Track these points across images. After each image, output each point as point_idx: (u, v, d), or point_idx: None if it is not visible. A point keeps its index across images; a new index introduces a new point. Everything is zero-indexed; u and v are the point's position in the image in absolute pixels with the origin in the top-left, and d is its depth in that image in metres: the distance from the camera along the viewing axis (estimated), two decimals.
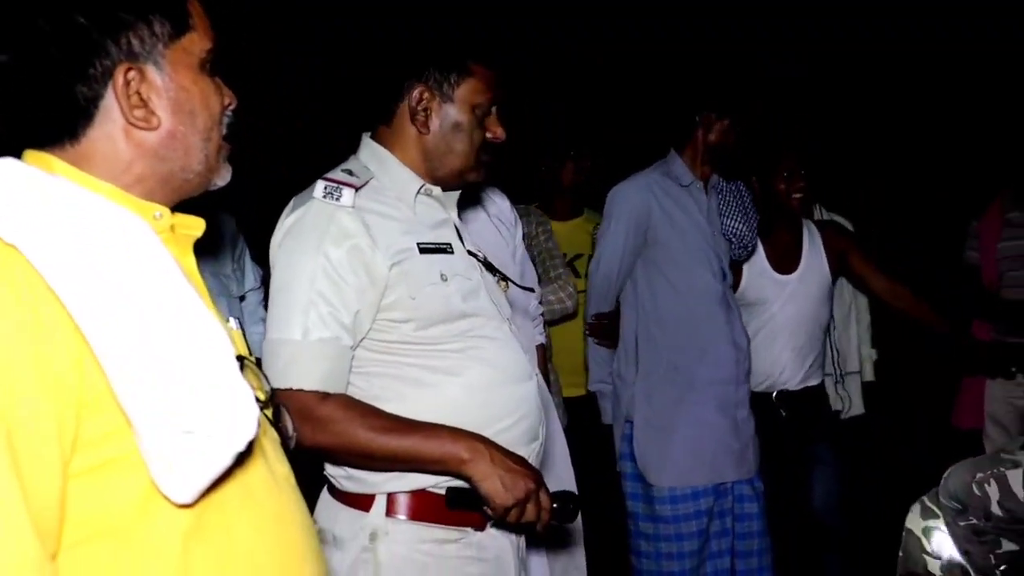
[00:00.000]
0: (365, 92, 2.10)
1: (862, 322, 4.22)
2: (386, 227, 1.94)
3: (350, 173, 1.99)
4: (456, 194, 2.13)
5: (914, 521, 2.74)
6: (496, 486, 1.86)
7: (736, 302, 3.54)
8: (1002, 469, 2.54)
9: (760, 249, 3.73)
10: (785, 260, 3.76)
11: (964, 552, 2.62)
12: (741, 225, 3.42)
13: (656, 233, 3.37)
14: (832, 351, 3.99)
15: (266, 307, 2.22)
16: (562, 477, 2.89)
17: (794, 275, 3.75)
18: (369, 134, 2.10)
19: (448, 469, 1.89)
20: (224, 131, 1.34)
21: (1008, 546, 2.56)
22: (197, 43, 1.28)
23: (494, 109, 2.07)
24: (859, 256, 3.83)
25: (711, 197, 3.45)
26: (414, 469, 1.91)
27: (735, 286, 3.68)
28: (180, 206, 1.33)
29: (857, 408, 4.12)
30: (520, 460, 1.93)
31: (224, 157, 1.35)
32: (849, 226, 4.24)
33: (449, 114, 2.02)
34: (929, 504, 2.76)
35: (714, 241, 3.42)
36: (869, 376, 4.26)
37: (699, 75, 3.47)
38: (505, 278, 2.19)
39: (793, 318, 3.72)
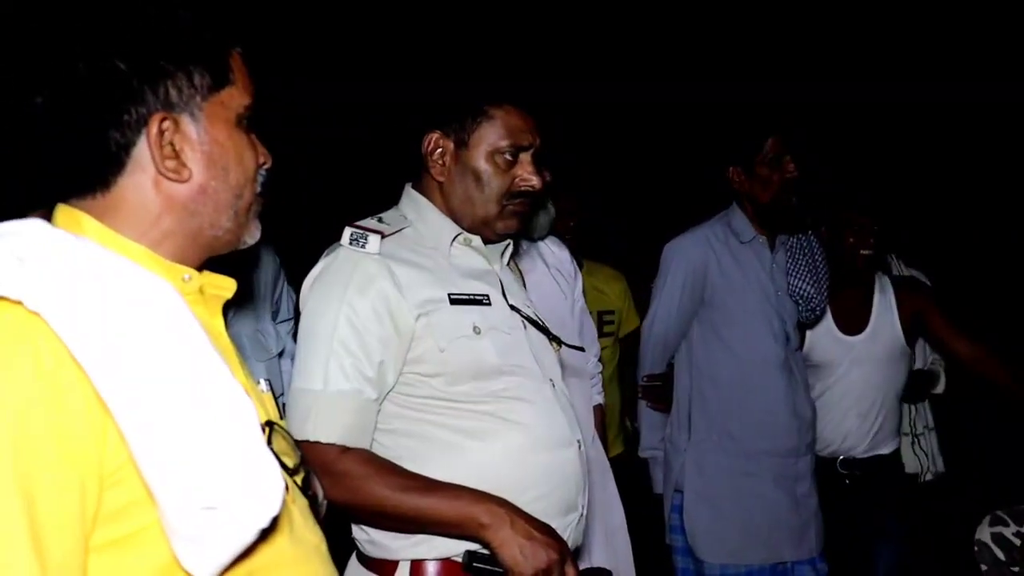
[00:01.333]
0: (389, 142, 2.09)
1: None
2: (414, 276, 1.88)
3: (380, 220, 1.95)
4: (501, 245, 2.05)
5: (983, 532, 2.75)
6: (515, 554, 1.77)
7: (802, 368, 3.33)
8: None
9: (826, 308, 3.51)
10: (852, 320, 3.55)
11: None
12: (809, 286, 3.22)
13: (714, 291, 3.19)
14: (910, 409, 3.76)
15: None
16: (619, 550, 2.80)
17: (861, 336, 3.54)
18: (411, 184, 2.04)
19: (466, 533, 1.81)
20: (258, 188, 1.32)
21: None
22: (236, 98, 1.26)
23: (526, 155, 1.96)
24: (938, 316, 3.55)
25: (778, 254, 3.25)
26: (431, 531, 1.83)
27: (799, 347, 3.47)
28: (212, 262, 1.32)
29: (939, 467, 3.87)
30: (545, 529, 1.82)
31: (255, 214, 1.33)
32: (927, 282, 4.01)
33: (465, 161, 1.94)
34: (1000, 514, 2.77)
35: (778, 302, 3.22)
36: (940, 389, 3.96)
37: (715, 130, 3.32)
38: (554, 338, 2.06)
39: (859, 382, 3.51)
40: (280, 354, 3.24)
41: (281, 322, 3.33)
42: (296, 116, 4.84)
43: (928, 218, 5.91)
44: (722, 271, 3.19)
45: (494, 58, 4.49)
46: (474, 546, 1.84)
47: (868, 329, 3.54)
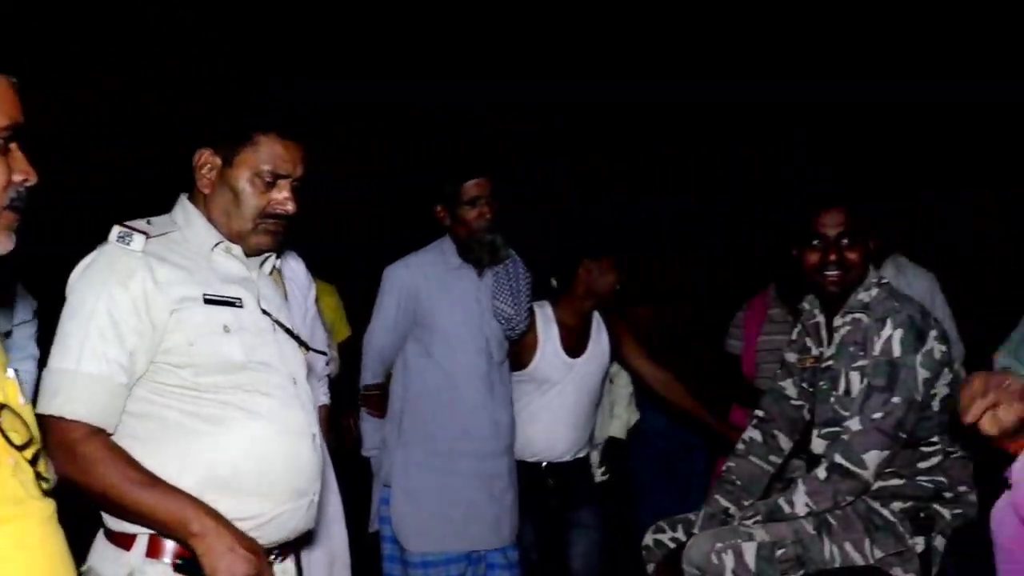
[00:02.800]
0: (168, 152, 2.27)
1: (623, 385, 4.38)
2: (173, 275, 2.03)
3: (148, 222, 2.11)
4: (260, 259, 2.23)
5: (649, 537, 3.12)
6: (215, 563, 1.92)
7: (505, 380, 3.73)
8: (739, 541, 2.83)
9: (556, 331, 3.96)
10: (575, 344, 3.97)
11: None
12: (509, 307, 3.60)
13: (424, 313, 3.58)
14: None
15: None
16: (334, 537, 3.09)
17: (581, 359, 3.97)
18: (187, 194, 2.22)
19: (176, 535, 1.95)
20: (6, 202, 1.46)
21: None
22: None
23: (284, 182, 2.15)
24: (631, 344, 4.10)
25: (486, 278, 3.63)
26: (144, 525, 1.97)
27: (525, 364, 3.87)
28: None
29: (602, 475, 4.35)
30: (248, 543, 1.97)
31: (6, 227, 1.48)
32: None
33: (228, 178, 2.13)
34: (662, 524, 3.15)
35: (483, 322, 3.61)
36: (617, 432, 4.60)
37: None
38: (302, 343, 2.31)
39: (574, 398, 3.96)
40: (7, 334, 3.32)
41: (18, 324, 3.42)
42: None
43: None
44: (432, 294, 3.59)
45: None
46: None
47: (587, 352, 3.99)
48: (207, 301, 2.05)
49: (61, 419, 1.92)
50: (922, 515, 2.82)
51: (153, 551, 1.99)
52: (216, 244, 2.14)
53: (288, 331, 2.22)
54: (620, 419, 4.59)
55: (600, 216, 5.91)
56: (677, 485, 4.74)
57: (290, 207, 2.16)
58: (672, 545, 3.08)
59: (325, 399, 3.49)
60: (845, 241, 2.96)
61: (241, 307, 2.11)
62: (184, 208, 2.18)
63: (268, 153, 2.14)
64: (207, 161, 2.15)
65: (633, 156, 6.20)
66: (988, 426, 2.08)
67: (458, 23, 4.22)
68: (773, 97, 5.39)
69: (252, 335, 2.10)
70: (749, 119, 5.63)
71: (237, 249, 2.16)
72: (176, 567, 1.99)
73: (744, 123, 5.70)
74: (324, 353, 3.02)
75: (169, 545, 1.99)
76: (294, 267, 3.30)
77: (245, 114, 2.19)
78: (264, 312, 2.16)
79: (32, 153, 1.47)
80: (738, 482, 3.23)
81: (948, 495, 2.91)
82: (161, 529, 1.96)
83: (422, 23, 4.18)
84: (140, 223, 2.10)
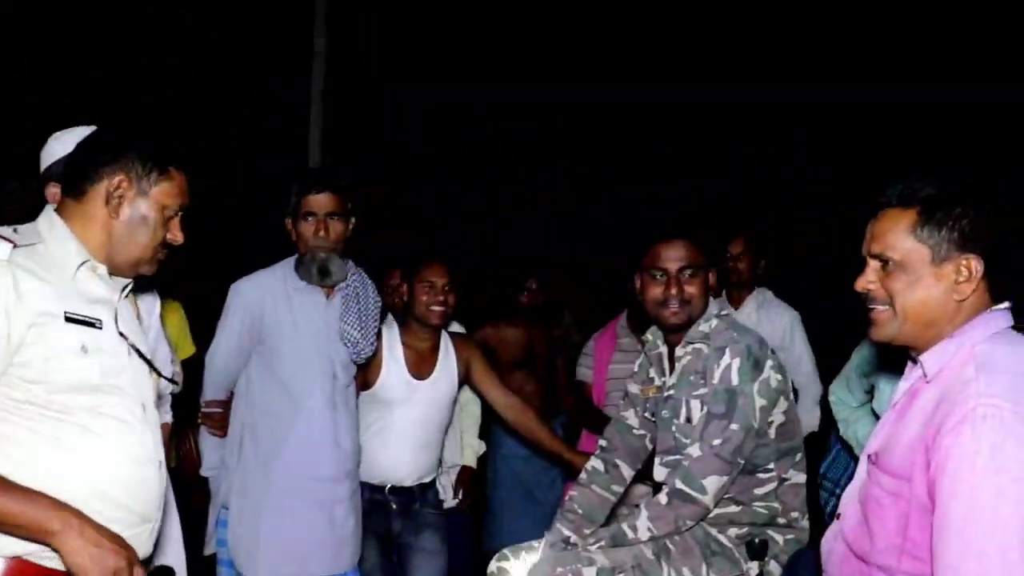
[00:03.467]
0: (70, 167, 2.23)
1: (471, 414, 4.34)
2: (36, 287, 1.99)
3: (15, 231, 2.07)
4: (123, 281, 2.24)
5: (493, 565, 3.04)
6: (84, 561, 1.88)
7: (350, 403, 3.66)
8: (579, 566, 2.85)
9: (401, 352, 3.91)
10: (422, 366, 3.94)
11: None
12: (355, 331, 3.54)
13: (268, 331, 3.49)
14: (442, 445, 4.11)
15: None
16: (170, 559, 2.94)
17: (427, 381, 3.93)
18: (54, 206, 2.21)
19: (36, 537, 1.90)
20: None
21: None
22: None
23: (179, 215, 2.25)
24: (482, 368, 4.04)
25: (334, 299, 3.56)
26: (3, 531, 1.90)
27: (370, 384, 3.80)
28: None
29: (452, 501, 4.36)
30: (114, 537, 1.95)
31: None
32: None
33: (140, 207, 2.16)
34: (506, 552, 3.07)
35: (329, 343, 3.53)
36: (469, 461, 4.55)
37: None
38: (155, 369, 2.30)
39: (418, 420, 3.91)
40: None
41: None
42: None
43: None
44: (277, 312, 3.49)
45: None
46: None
47: (433, 374, 3.95)
48: (68, 319, 2.02)
49: None
50: (757, 541, 2.88)
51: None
52: (83, 263, 2.11)
53: (142, 356, 2.22)
54: (470, 447, 4.57)
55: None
56: (536, 510, 4.74)
57: (181, 238, 2.25)
58: (516, 574, 3.08)
59: (167, 417, 3.39)
60: (686, 275, 3.03)
61: (100, 328, 2.08)
62: (51, 221, 2.15)
63: (178, 187, 2.22)
64: (121, 187, 2.15)
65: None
66: None
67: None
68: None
69: (109, 357, 2.08)
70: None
71: (103, 270, 2.15)
72: None
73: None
74: (175, 383, 2.93)
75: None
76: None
77: (167, 148, 2.23)
78: (121, 335, 2.15)
79: None
80: (580, 511, 3.26)
81: (782, 521, 2.99)
82: (18, 532, 1.90)
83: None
84: (7, 230, 2.05)
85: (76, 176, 2.17)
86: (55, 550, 1.90)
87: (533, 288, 4.97)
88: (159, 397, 3.21)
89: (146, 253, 2.19)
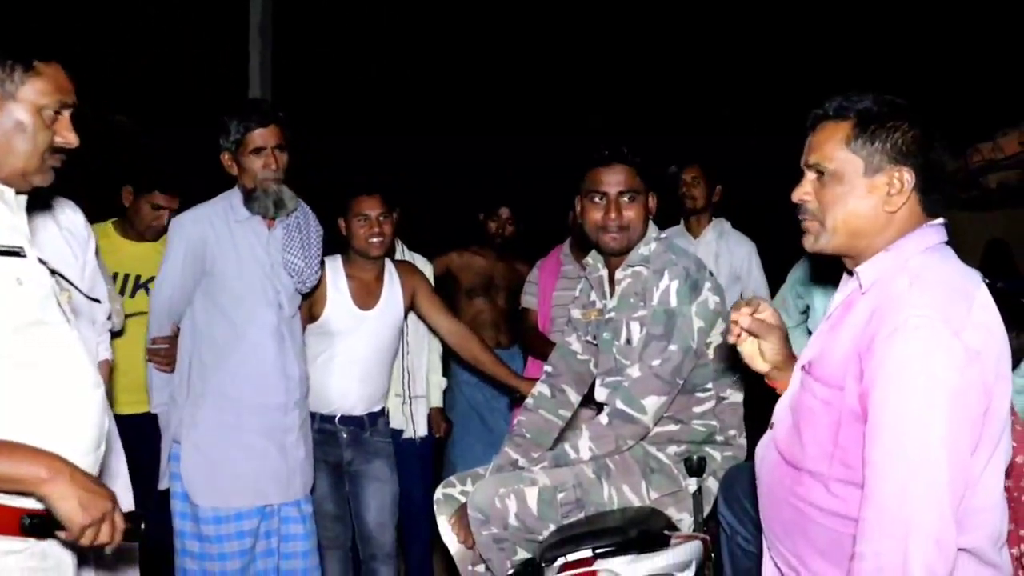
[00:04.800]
0: None
1: (434, 350, 4.37)
2: None
3: None
4: (24, 199, 2.08)
5: (439, 492, 3.22)
6: (74, 506, 1.83)
7: (296, 333, 3.68)
8: (521, 486, 2.93)
9: (346, 284, 3.96)
10: (366, 296, 3.99)
11: (487, 560, 2.84)
12: (299, 260, 3.55)
13: (212, 264, 3.49)
14: (404, 374, 4.15)
15: None
16: (121, 495, 2.89)
17: (372, 311, 3.98)
18: None
19: (24, 488, 1.85)
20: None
21: (522, 554, 2.92)
22: None
23: (66, 113, 2.05)
24: (426, 296, 4.11)
25: (276, 230, 3.56)
26: None
27: (315, 316, 3.85)
28: None
29: (421, 430, 4.44)
30: (96, 481, 1.91)
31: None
32: (428, 266, 4.60)
33: (11, 112, 1.98)
34: (452, 479, 3.26)
35: (273, 274, 3.54)
36: (436, 402, 4.63)
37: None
38: (71, 285, 2.22)
39: (365, 350, 3.96)
40: None
41: None
42: None
43: None
44: (220, 246, 3.49)
45: None
46: (30, 506, 1.89)
47: (379, 305, 3.99)
48: None
49: None
50: (695, 458, 2.98)
51: None
52: None
53: (62, 276, 2.13)
54: (435, 386, 4.63)
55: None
56: (489, 437, 4.78)
57: (73, 139, 2.06)
58: (463, 499, 3.15)
59: (107, 354, 3.40)
60: (625, 199, 3.07)
61: (24, 256, 1.96)
62: None
63: (52, 82, 2.01)
64: None
65: None
66: (747, 352, 2.23)
67: None
68: None
69: (38, 284, 1.98)
70: None
71: (9, 193, 2.01)
72: (24, 529, 1.87)
73: None
74: (97, 300, 2.90)
75: None
76: (72, 217, 3.18)
77: (25, 42, 2.01)
78: (40, 261, 2.03)
79: None
80: (528, 435, 3.33)
81: (720, 439, 3.08)
82: (5, 486, 1.83)
83: None
84: None
85: None
86: (41, 499, 1.85)
87: (504, 216, 4.98)
88: (97, 332, 3.24)
89: (31, 162, 2.00)
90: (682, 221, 4.88)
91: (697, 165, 4.85)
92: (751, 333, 2.28)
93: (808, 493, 2.06)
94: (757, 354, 2.31)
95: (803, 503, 2.07)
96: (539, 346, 4.69)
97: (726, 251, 4.68)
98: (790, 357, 2.29)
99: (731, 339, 2.30)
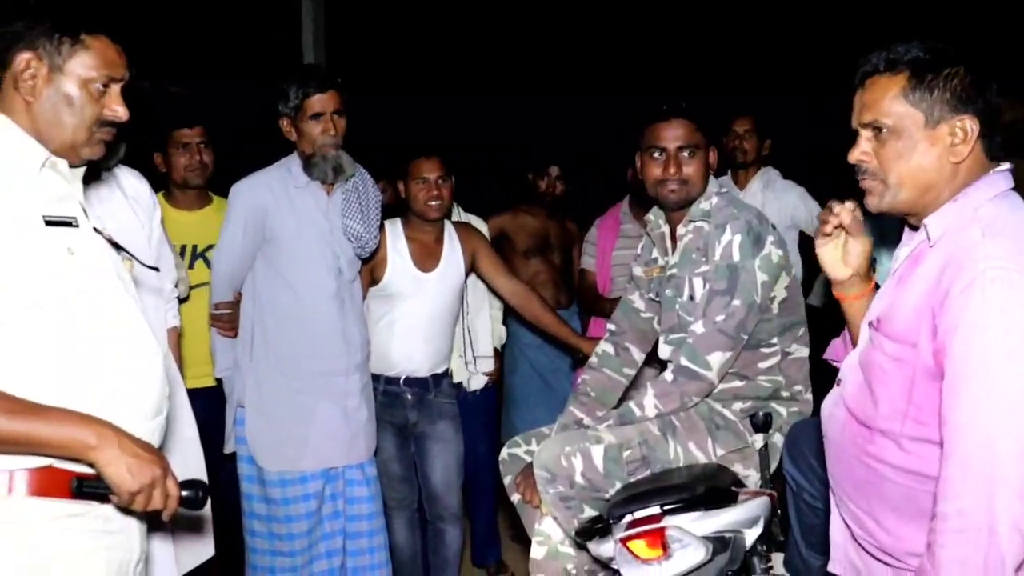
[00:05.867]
0: None
1: (495, 307, 4.37)
2: (9, 198, 1.88)
3: None
4: (81, 171, 2.09)
5: (504, 452, 3.27)
6: (122, 472, 1.85)
7: (356, 297, 3.71)
8: (587, 444, 2.92)
9: (406, 247, 3.96)
10: (427, 259, 3.98)
11: (552, 518, 2.87)
12: (359, 225, 3.56)
13: (272, 231, 3.51)
14: (465, 334, 4.14)
15: None
16: (189, 461, 3.00)
17: (434, 273, 3.97)
18: None
19: (73, 454, 1.86)
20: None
21: (589, 511, 2.91)
22: None
23: (116, 87, 2.05)
24: (487, 256, 4.09)
25: (335, 196, 3.58)
26: (38, 453, 1.86)
27: (377, 280, 3.88)
28: None
29: (481, 385, 4.43)
30: (147, 447, 1.92)
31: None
32: (484, 226, 4.57)
33: (59, 85, 1.98)
34: (517, 439, 3.28)
35: (332, 239, 3.56)
36: (497, 343, 4.64)
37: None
38: (131, 256, 2.23)
39: (428, 312, 3.96)
40: None
41: None
42: None
43: None
44: (279, 212, 3.51)
45: None
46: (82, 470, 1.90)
47: (440, 267, 3.98)
48: (48, 223, 1.92)
49: None
50: (761, 414, 2.94)
51: (13, 487, 1.88)
52: (45, 160, 1.98)
53: (118, 246, 2.14)
54: (496, 334, 4.62)
55: None
56: (552, 398, 4.75)
57: (122, 112, 2.06)
58: (528, 458, 3.15)
59: (175, 321, 3.44)
60: (684, 154, 3.03)
61: (77, 227, 1.98)
62: None
63: (100, 56, 2.01)
64: (30, 66, 1.96)
65: None
66: (829, 257, 2.23)
67: None
68: None
69: (92, 254, 2.00)
70: None
71: (63, 164, 2.02)
72: (73, 492, 1.89)
73: None
74: (156, 269, 2.92)
75: (28, 476, 1.87)
76: (137, 187, 3.22)
77: (73, 15, 2.00)
78: (95, 230, 2.06)
79: None
80: (592, 393, 3.32)
81: (785, 394, 3.04)
82: (56, 452, 1.86)
83: None
84: None
85: None
86: (92, 464, 1.86)
87: (553, 175, 4.94)
88: (164, 299, 3.28)
89: (79, 135, 2.01)
90: (729, 173, 4.80)
91: (750, 117, 4.78)
92: (846, 231, 2.22)
93: (880, 451, 2.02)
94: (839, 260, 2.26)
95: (875, 461, 2.04)
96: (598, 305, 4.66)
97: (773, 200, 4.59)
98: (868, 271, 2.24)
99: (820, 236, 2.25)
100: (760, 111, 4.89)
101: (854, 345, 2.24)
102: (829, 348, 2.43)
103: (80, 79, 1.99)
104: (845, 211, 2.20)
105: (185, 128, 4.21)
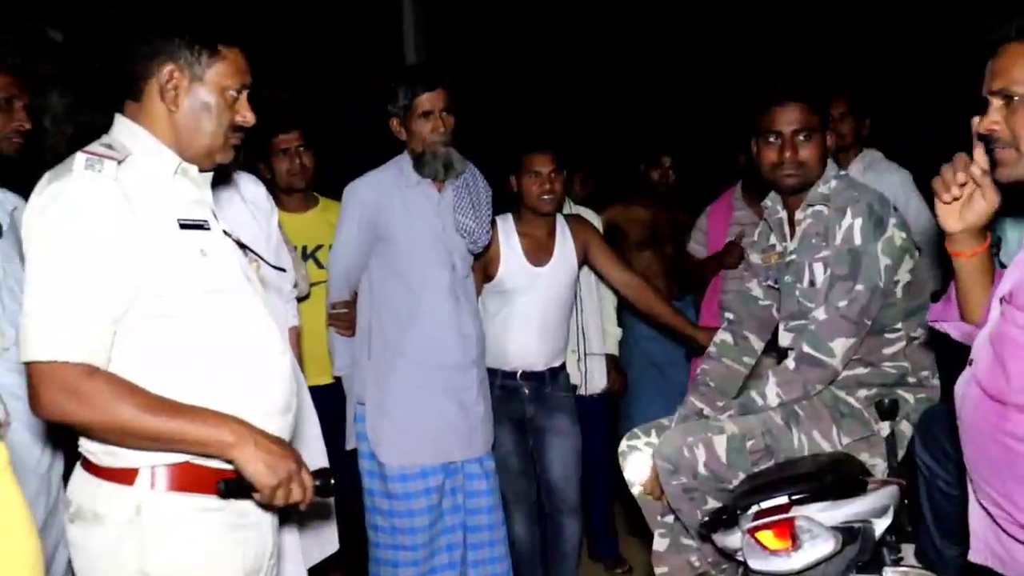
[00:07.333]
0: (115, 69, 2.11)
1: (609, 301, 4.32)
2: (147, 202, 1.96)
3: (110, 147, 2.00)
4: (209, 176, 2.18)
5: (623, 444, 3.18)
6: (260, 469, 1.92)
7: (470, 293, 3.74)
8: (709, 434, 2.90)
9: (518, 242, 3.98)
10: (539, 253, 4.00)
11: (676, 510, 2.88)
12: (471, 221, 3.59)
13: (386, 229, 3.56)
14: (578, 331, 4.14)
15: None
16: (314, 457, 3.07)
17: (546, 267, 3.99)
18: (120, 113, 2.11)
19: (212, 453, 1.94)
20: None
21: (712, 503, 2.88)
22: None
23: (244, 93, 2.13)
24: (599, 249, 4.08)
25: (446, 192, 3.61)
26: (176, 450, 1.94)
27: (492, 276, 3.90)
28: None
29: (598, 385, 4.44)
30: (280, 443, 2.00)
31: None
32: (596, 219, 4.54)
33: (199, 94, 2.06)
34: (636, 431, 3.20)
35: (445, 236, 3.60)
36: (612, 349, 4.61)
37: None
38: (258, 257, 2.31)
39: (542, 307, 3.97)
40: None
41: None
42: None
43: None
44: (393, 210, 3.56)
45: None
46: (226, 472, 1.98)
47: (552, 261, 4.00)
48: (183, 226, 2.01)
49: (53, 362, 1.84)
50: (887, 401, 2.86)
51: (155, 482, 1.96)
52: (178, 166, 2.07)
53: (246, 248, 2.22)
54: (611, 336, 4.61)
55: None
56: (669, 389, 4.71)
57: (251, 118, 2.14)
58: (647, 450, 3.13)
59: (295, 321, 3.51)
60: (800, 138, 2.97)
61: (209, 229, 2.07)
62: (132, 131, 2.06)
63: (234, 65, 2.10)
64: (172, 77, 2.04)
65: None
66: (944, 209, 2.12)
67: None
68: None
69: (222, 256, 2.08)
70: None
71: (194, 170, 2.11)
72: (221, 494, 1.97)
73: None
74: (282, 269, 3.00)
75: (168, 472, 1.96)
76: (254, 191, 3.32)
77: (210, 28, 2.10)
78: (224, 233, 2.14)
79: None
80: (712, 383, 3.28)
81: (912, 380, 2.96)
82: (194, 450, 1.94)
83: None
84: (102, 148, 1.99)
85: (127, 76, 2.07)
86: (230, 462, 1.94)
87: (666, 165, 4.90)
88: (284, 299, 3.34)
89: (216, 140, 2.10)
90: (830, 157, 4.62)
91: (844, 98, 4.45)
92: (977, 183, 2.11)
93: (1016, 428, 1.96)
94: (956, 210, 2.14)
95: (1011, 439, 1.97)
96: (701, 275, 4.65)
97: (875, 182, 4.39)
98: (983, 230, 2.15)
99: (956, 184, 2.10)
100: (865, 89, 4.70)
101: (959, 306, 2.16)
102: (930, 310, 2.35)
103: (218, 87, 2.07)
104: (981, 157, 2.07)
105: (283, 134, 4.26)
